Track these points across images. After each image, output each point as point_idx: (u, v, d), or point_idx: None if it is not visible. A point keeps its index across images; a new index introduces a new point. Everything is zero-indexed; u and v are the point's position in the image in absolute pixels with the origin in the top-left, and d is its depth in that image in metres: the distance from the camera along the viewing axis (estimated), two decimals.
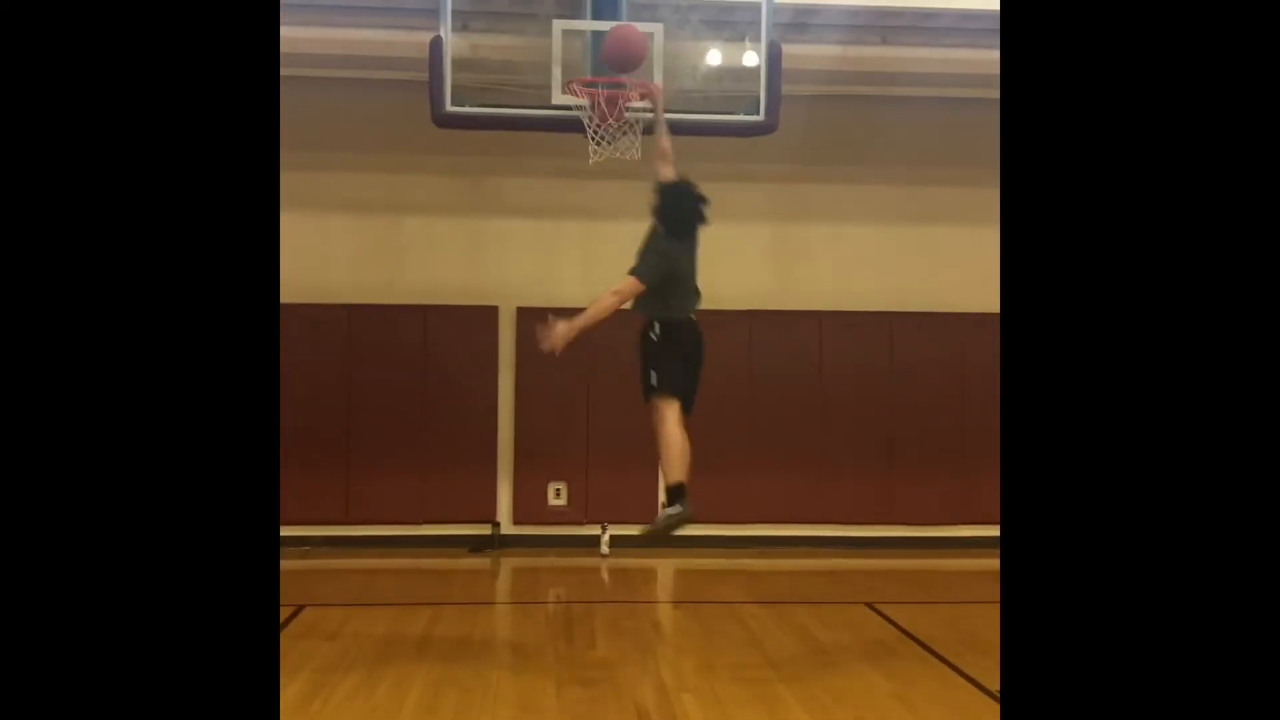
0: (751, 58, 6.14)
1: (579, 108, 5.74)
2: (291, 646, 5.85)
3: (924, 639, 6.21)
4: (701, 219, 5.39)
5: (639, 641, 6.23)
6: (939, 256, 9.33)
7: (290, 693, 5.00)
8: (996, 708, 4.53)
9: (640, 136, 5.75)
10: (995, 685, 5.15)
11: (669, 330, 5.31)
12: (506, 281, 9.28)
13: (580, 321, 5.20)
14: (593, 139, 5.64)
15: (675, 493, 5.29)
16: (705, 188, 9.11)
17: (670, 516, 5.31)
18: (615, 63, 5.75)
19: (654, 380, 5.27)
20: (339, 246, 9.18)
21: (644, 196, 9.17)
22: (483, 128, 6.23)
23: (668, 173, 5.54)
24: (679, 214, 5.34)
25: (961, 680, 5.42)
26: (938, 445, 9.27)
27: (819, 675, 5.52)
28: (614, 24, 5.94)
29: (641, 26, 5.94)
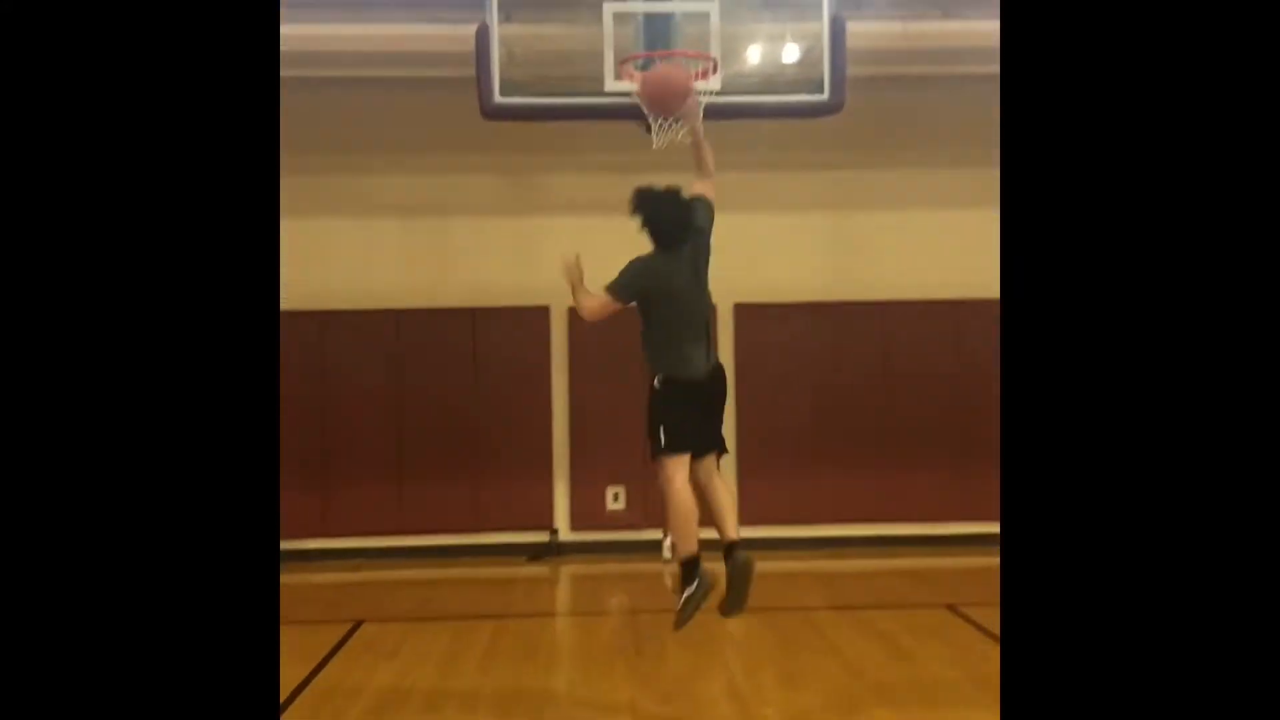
0: (812, 34, 5.81)
1: (634, 93, 5.44)
2: (352, 666, 5.63)
3: None
4: (688, 227, 4.75)
5: (712, 653, 5.92)
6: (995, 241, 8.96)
7: (353, 715, 4.77)
8: None
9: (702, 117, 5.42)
10: None
11: (674, 384, 4.64)
12: (557, 281, 8.95)
13: (575, 292, 4.89)
14: (653, 123, 5.32)
15: (689, 568, 4.56)
16: (758, 177, 8.89)
17: (690, 599, 4.53)
18: (656, 104, 5.14)
19: (662, 440, 4.58)
20: (385, 250, 8.97)
21: (689, 187, 8.96)
22: (534, 119, 5.96)
23: (704, 189, 4.98)
24: (661, 224, 4.73)
25: None
26: (966, 439, 8.89)
27: (909, 688, 5.19)
28: (665, 11, 5.62)
29: (695, 6, 5.64)
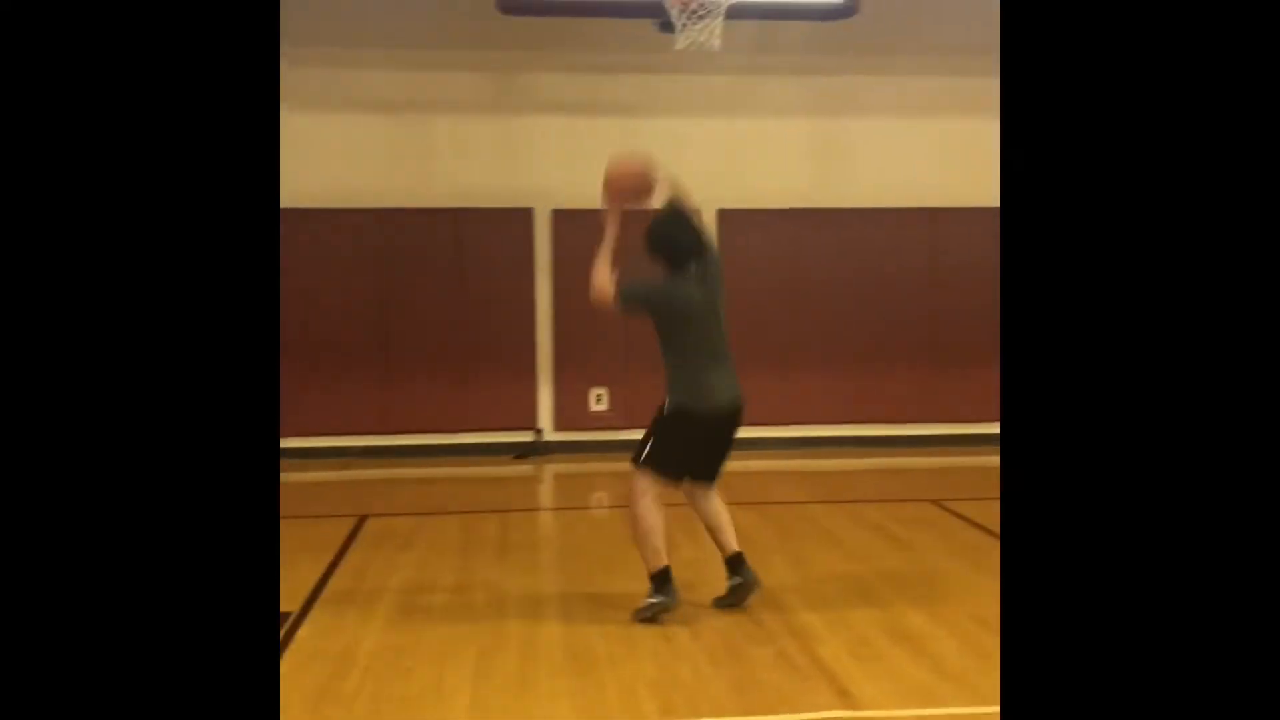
0: None
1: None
2: (371, 557, 5.74)
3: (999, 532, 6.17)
4: (698, 243, 4.55)
5: None
6: (984, 150, 9.10)
7: (386, 604, 4.89)
8: None
9: (722, 21, 5.45)
10: None
11: (686, 417, 4.53)
12: (541, 183, 9.00)
13: (605, 236, 4.56)
14: (677, 22, 5.34)
15: (657, 580, 4.55)
16: (744, 80, 8.90)
17: (651, 606, 4.53)
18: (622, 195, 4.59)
19: (645, 452, 4.53)
20: (368, 148, 8.85)
21: (682, 90, 8.95)
22: (549, 14, 5.93)
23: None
24: (671, 246, 4.50)
25: None
26: (983, 340, 9.16)
27: (915, 573, 5.45)
28: None
29: None
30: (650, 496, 4.54)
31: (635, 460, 4.58)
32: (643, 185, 4.54)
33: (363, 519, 6.70)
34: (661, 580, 4.55)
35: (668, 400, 4.56)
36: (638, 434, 8.70)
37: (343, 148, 8.80)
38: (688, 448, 4.58)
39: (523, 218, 8.99)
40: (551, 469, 8.63)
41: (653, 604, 4.55)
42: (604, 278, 4.48)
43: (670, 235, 4.50)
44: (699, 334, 4.54)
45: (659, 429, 4.58)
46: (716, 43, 5.51)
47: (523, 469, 8.63)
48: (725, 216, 9.04)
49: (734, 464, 8.59)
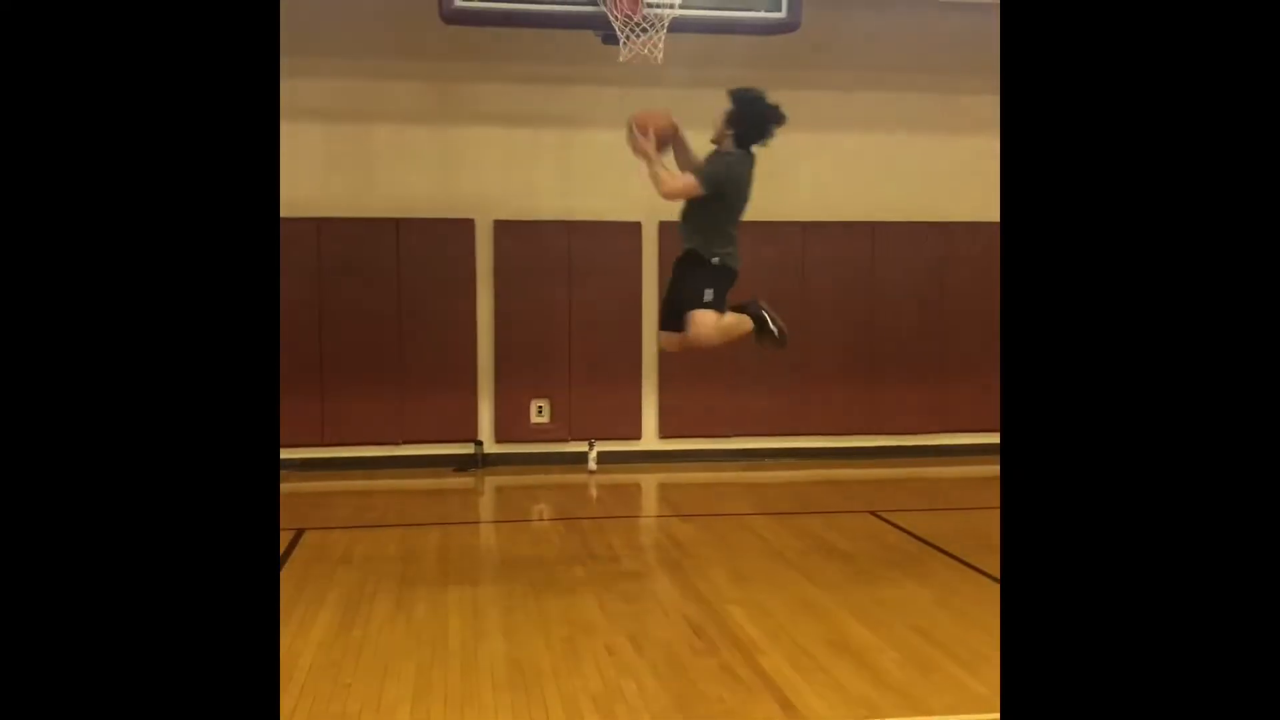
0: None
1: (600, 2, 5.43)
2: (308, 571, 5.66)
3: (937, 544, 6.25)
4: (769, 129, 5.21)
5: (662, 555, 6.14)
6: (920, 165, 9.24)
7: (324, 619, 4.82)
8: None
9: (664, 34, 5.47)
10: None
11: (725, 270, 5.28)
12: (483, 193, 8.96)
13: (651, 164, 5.18)
14: (620, 34, 5.34)
15: (759, 320, 5.43)
16: (681, 92, 8.93)
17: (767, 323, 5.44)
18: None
19: (708, 299, 5.22)
20: (305, 157, 8.73)
21: (626, 102, 8.93)
22: (493, 24, 5.89)
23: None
24: (754, 121, 5.16)
25: (993, 583, 5.45)
26: (918, 354, 9.29)
27: (856, 584, 5.50)
28: None
29: None
30: (714, 317, 5.23)
31: (694, 308, 5.22)
32: (669, 128, 5.26)
33: (300, 532, 6.60)
34: (758, 319, 5.40)
35: (710, 255, 5.25)
36: (580, 446, 8.77)
37: (281, 156, 8.66)
38: (726, 291, 5.29)
39: (464, 228, 8.94)
40: (492, 481, 8.57)
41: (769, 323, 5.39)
42: (675, 174, 5.19)
43: (761, 113, 5.15)
44: (742, 209, 5.30)
45: (713, 279, 5.24)
46: (660, 56, 5.52)
47: (463, 481, 8.56)
48: (665, 229, 9.07)
49: (676, 476, 8.69)
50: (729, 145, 5.19)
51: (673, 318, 5.39)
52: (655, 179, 5.14)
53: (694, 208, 5.25)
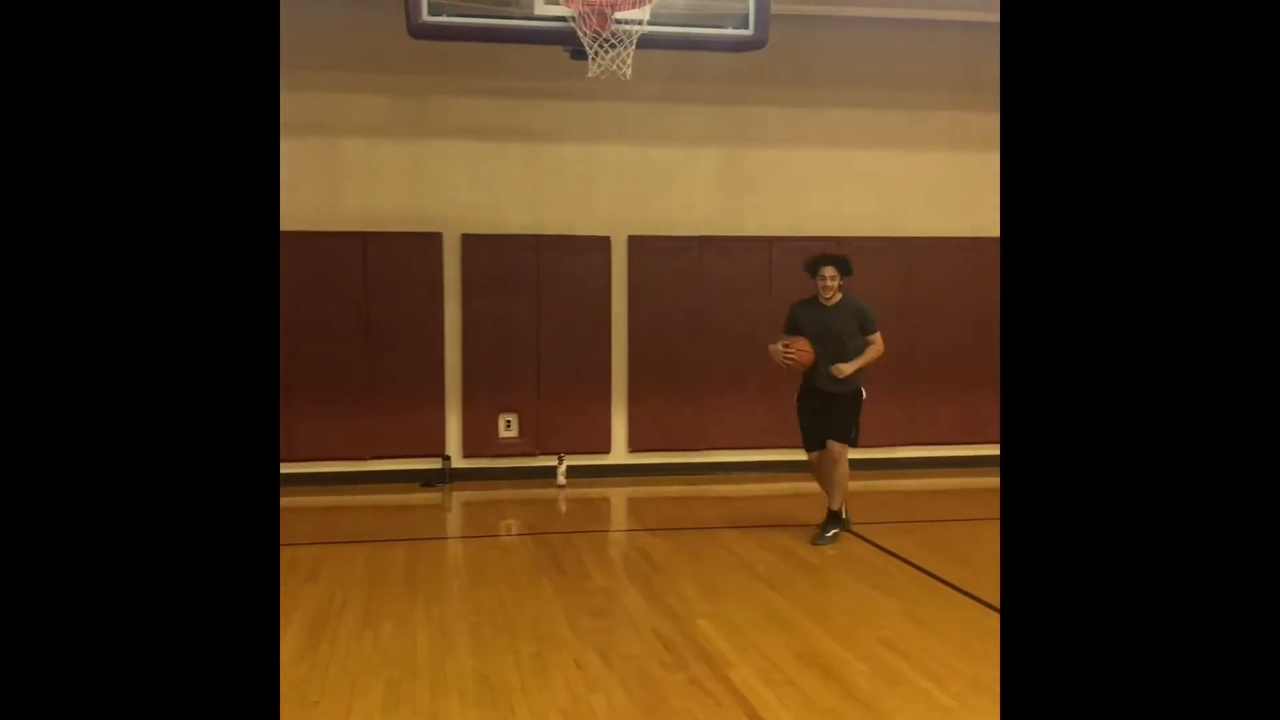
0: None
1: (569, 18, 5.45)
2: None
3: (905, 556, 6.29)
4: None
5: (632, 569, 6.14)
6: (889, 181, 9.33)
7: (289, 638, 4.78)
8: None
9: (633, 51, 5.49)
10: (991, 598, 5.23)
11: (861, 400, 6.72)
12: (450, 207, 8.95)
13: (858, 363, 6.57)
14: (589, 50, 5.36)
15: (839, 515, 6.82)
16: (651, 109, 9.00)
17: (836, 534, 6.75)
18: None
19: (854, 435, 6.64)
20: None
21: (594, 117, 8.99)
22: (460, 39, 5.88)
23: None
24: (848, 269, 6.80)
25: (961, 596, 5.49)
26: (888, 369, 9.33)
27: (824, 597, 5.52)
28: None
29: None
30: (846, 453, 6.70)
31: (850, 442, 6.65)
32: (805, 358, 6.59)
33: None
34: (842, 515, 6.83)
35: (860, 390, 6.66)
36: (549, 460, 8.75)
37: None
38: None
39: (432, 242, 8.91)
40: (460, 496, 8.53)
41: (837, 532, 6.71)
42: (875, 352, 6.66)
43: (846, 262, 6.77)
44: None
45: (857, 411, 6.66)
46: (628, 72, 5.54)
47: (430, 496, 8.52)
48: (634, 243, 9.10)
49: (646, 490, 8.69)
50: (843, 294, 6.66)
51: (818, 439, 6.67)
52: (874, 360, 6.66)
53: (849, 351, 6.57)
